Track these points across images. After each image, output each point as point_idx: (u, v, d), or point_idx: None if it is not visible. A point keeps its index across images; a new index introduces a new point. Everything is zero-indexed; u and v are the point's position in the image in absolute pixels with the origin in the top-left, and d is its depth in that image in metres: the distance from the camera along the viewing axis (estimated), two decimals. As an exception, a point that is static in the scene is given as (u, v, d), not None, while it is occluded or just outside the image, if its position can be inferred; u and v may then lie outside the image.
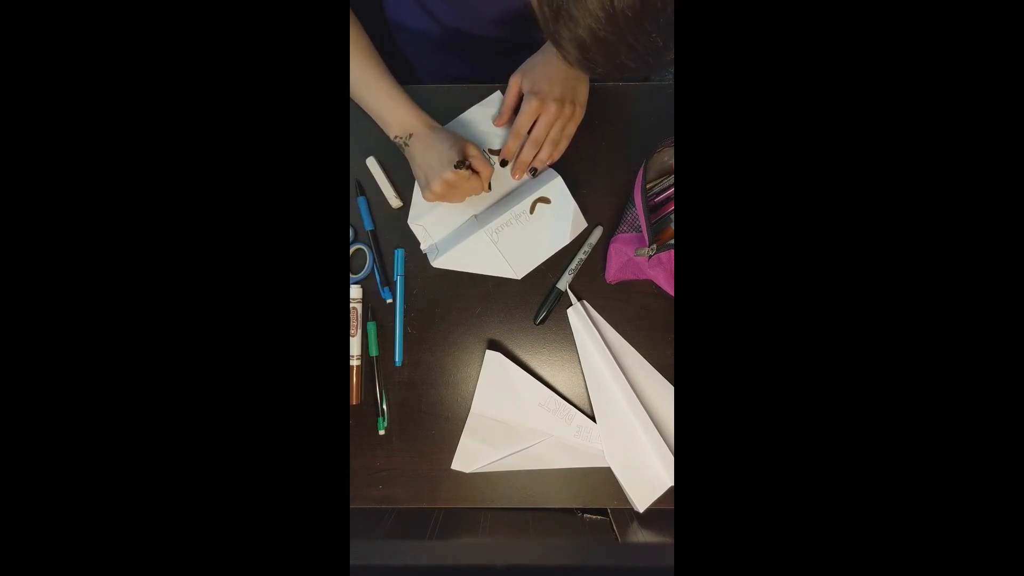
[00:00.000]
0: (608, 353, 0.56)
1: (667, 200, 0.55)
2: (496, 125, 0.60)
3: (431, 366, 0.58)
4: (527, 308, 0.58)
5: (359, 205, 0.59)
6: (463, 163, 0.50)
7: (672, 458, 0.54)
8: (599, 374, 0.56)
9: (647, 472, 0.55)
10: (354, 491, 0.55)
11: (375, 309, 0.58)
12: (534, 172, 0.58)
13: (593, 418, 0.56)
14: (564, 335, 0.58)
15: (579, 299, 0.58)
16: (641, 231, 0.50)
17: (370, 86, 0.55)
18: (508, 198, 0.59)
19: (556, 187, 0.57)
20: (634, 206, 0.53)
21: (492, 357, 0.56)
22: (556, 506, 0.57)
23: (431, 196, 0.54)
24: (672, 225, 0.53)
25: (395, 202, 0.59)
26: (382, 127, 0.56)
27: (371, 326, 0.57)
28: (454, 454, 0.56)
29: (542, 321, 0.57)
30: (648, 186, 0.55)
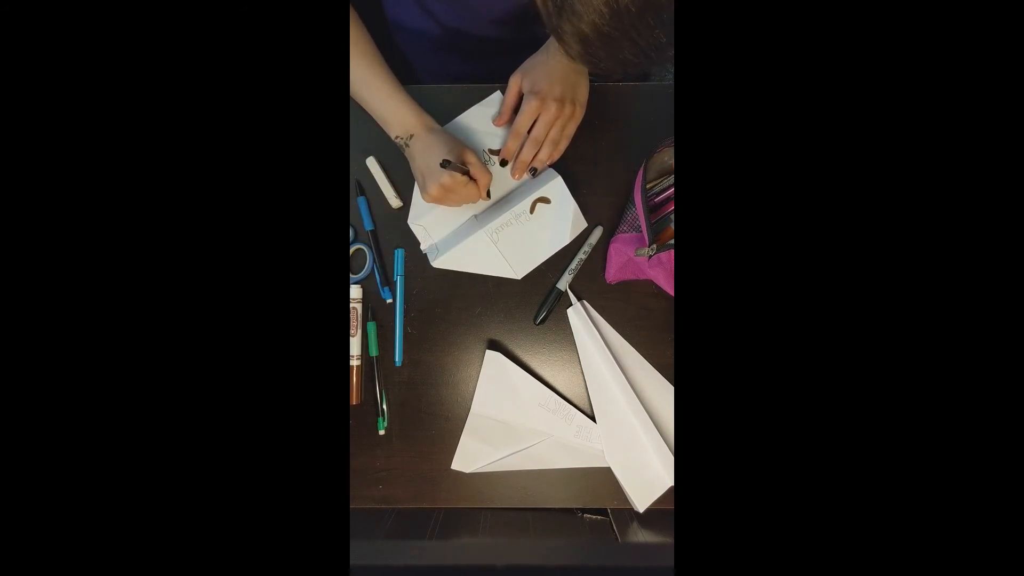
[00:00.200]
0: (608, 353, 0.56)
1: (667, 200, 0.55)
2: (496, 125, 0.60)
3: (431, 366, 0.58)
4: (527, 308, 0.58)
5: (359, 205, 0.59)
6: (449, 162, 0.50)
7: (672, 458, 0.54)
8: (599, 374, 0.56)
9: (647, 472, 0.55)
10: (354, 491, 0.55)
11: (375, 309, 0.58)
12: (534, 172, 0.58)
13: (593, 418, 0.56)
14: (564, 335, 0.58)
15: (579, 299, 0.58)
16: (641, 231, 0.50)
17: (371, 86, 0.55)
18: (508, 198, 0.59)
19: (556, 187, 0.57)
20: (634, 206, 0.53)
21: (492, 357, 0.56)
22: (556, 506, 0.57)
23: (428, 199, 0.54)
24: (672, 225, 0.53)
25: (395, 202, 0.59)
26: (383, 127, 0.56)
27: (371, 326, 0.57)
28: (454, 454, 0.56)
29: (542, 321, 0.57)
30: (648, 186, 0.55)
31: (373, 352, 0.57)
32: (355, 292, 0.57)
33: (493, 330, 0.58)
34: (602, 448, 0.55)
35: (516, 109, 0.58)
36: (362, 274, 0.58)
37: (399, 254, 0.59)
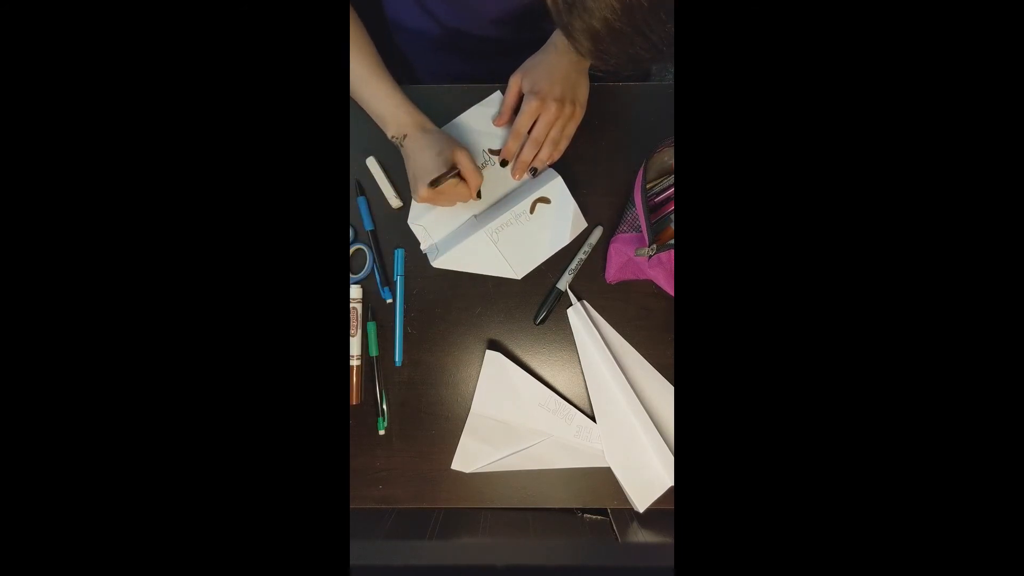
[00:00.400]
0: (608, 353, 0.56)
1: (667, 200, 0.55)
2: (496, 125, 0.60)
3: (431, 366, 0.58)
4: (527, 308, 0.58)
5: (359, 205, 0.59)
6: (438, 180, 0.50)
7: (672, 458, 0.54)
8: (599, 374, 0.56)
9: (647, 472, 0.55)
10: (354, 491, 0.55)
11: (375, 309, 0.58)
12: (534, 172, 0.58)
13: (593, 418, 0.56)
14: (564, 335, 0.58)
15: (579, 299, 0.58)
16: (641, 231, 0.50)
17: (368, 84, 0.55)
18: (508, 198, 0.59)
19: (556, 187, 0.57)
20: (634, 206, 0.53)
21: (492, 357, 0.56)
22: (556, 506, 0.57)
23: (418, 199, 0.54)
24: (672, 225, 0.53)
25: (395, 202, 0.59)
26: (380, 125, 0.56)
27: (371, 326, 0.57)
28: (454, 454, 0.56)
29: (542, 321, 0.57)
30: (648, 186, 0.55)
31: (373, 352, 0.57)
32: (355, 292, 0.57)
33: (493, 330, 0.58)
34: (602, 448, 0.55)
35: (516, 109, 0.58)
36: (362, 274, 0.58)
37: (399, 254, 0.59)
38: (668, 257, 0.49)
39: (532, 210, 0.58)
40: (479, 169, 0.55)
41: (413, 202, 0.59)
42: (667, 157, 0.54)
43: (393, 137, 0.56)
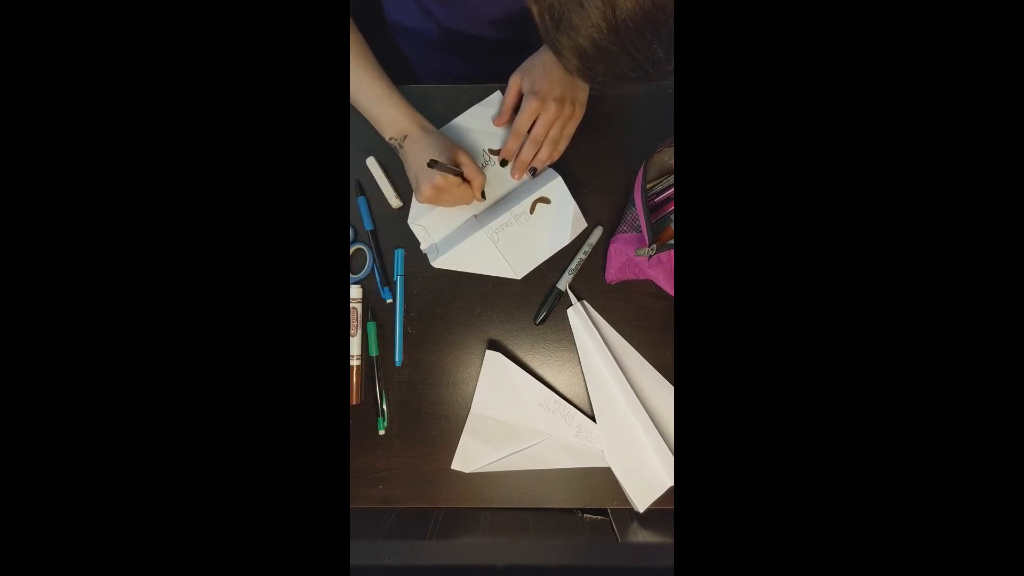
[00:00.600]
0: (608, 353, 0.56)
1: (667, 200, 0.55)
2: (496, 125, 0.60)
3: (431, 366, 0.58)
4: (527, 308, 0.58)
5: (359, 205, 0.59)
6: (436, 162, 0.50)
7: (672, 458, 0.54)
8: (599, 374, 0.56)
9: (647, 472, 0.55)
10: (354, 491, 0.55)
11: (375, 309, 0.58)
12: (534, 172, 0.58)
13: (593, 418, 0.56)
14: (564, 335, 0.58)
15: (579, 299, 0.58)
16: (641, 231, 0.50)
17: (365, 88, 0.55)
18: (508, 198, 0.59)
19: (556, 187, 0.57)
20: (634, 206, 0.53)
21: (492, 357, 0.56)
22: (556, 506, 0.57)
23: (421, 199, 0.54)
24: (672, 225, 0.53)
25: (395, 202, 0.59)
26: (377, 129, 0.56)
27: (371, 326, 0.57)
28: (454, 454, 0.56)
29: (542, 321, 0.57)
30: (648, 186, 0.55)
31: (373, 352, 0.57)
32: (355, 292, 0.57)
33: (493, 330, 0.58)
34: (602, 448, 0.55)
35: (516, 109, 0.58)
36: (362, 274, 0.58)
37: (399, 254, 0.59)
38: (668, 257, 0.49)
39: (532, 210, 0.58)
40: (481, 171, 0.55)
41: (413, 202, 0.59)
42: (667, 157, 0.54)
43: (391, 139, 0.55)
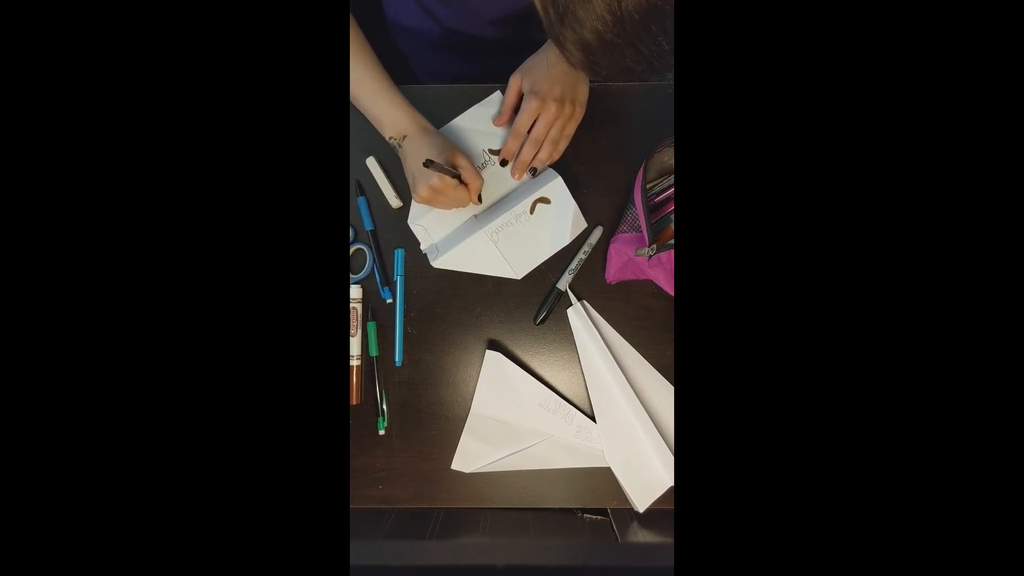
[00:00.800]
0: (608, 353, 0.56)
1: (667, 200, 0.55)
2: (496, 125, 0.60)
3: (431, 366, 0.58)
4: (527, 308, 0.58)
5: (359, 205, 0.59)
6: (432, 162, 0.49)
7: (672, 458, 0.54)
8: (599, 374, 0.56)
9: (647, 472, 0.55)
10: (354, 491, 0.55)
11: (375, 309, 0.58)
12: (534, 172, 0.58)
13: (593, 418, 0.56)
14: (564, 335, 0.58)
15: (579, 299, 0.58)
16: (641, 231, 0.50)
17: (365, 86, 0.55)
18: (508, 198, 0.59)
19: (556, 187, 0.57)
20: (634, 206, 0.53)
21: (492, 357, 0.56)
22: (556, 506, 0.57)
23: (417, 199, 0.54)
24: (672, 225, 0.53)
25: (395, 202, 0.59)
26: (377, 128, 0.56)
27: (371, 326, 0.57)
28: (454, 454, 0.56)
29: (542, 321, 0.57)
30: (648, 186, 0.55)
31: (373, 352, 0.57)
32: (355, 292, 0.57)
33: (493, 330, 0.58)
34: (602, 448, 0.55)
35: (516, 109, 0.58)
36: (362, 274, 0.58)
37: (399, 254, 0.59)
38: (668, 257, 0.49)
39: (532, 210, 0.58)
40: (479, 174, 0.55)
41: (413, 202, 0.59)
42: (667, 157, 0.54)
43: (391, 138, 0.55)
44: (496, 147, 0.60)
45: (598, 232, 0.58)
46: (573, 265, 0.58)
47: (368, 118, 0.57)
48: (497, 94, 0.61)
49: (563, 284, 0.57)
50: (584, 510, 0.65)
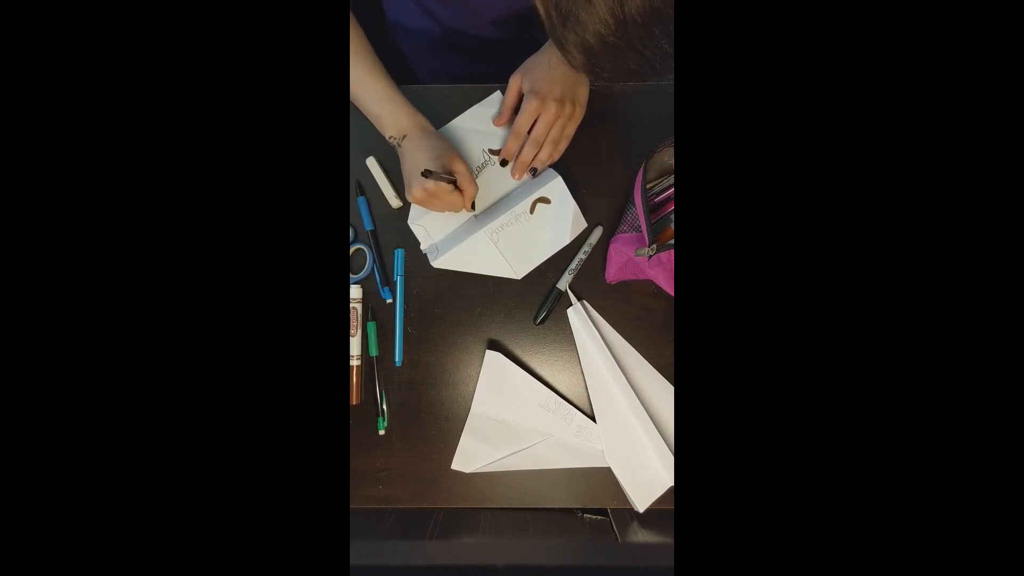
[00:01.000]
0: (608, 353, 0.56)
1: (667, 200, 0.55)
2: (496, 125, 0.60)
3: (431, 366, 0.58)
4: (527, 308, 0.58)
5: (359, 205, 0.59)
6: (431, 172, 0.49)
7: (672, 458, 0.54)
8: (599, 374, 0.56)
9: (647, 472, 0.55)
10: (354, 491, 0.55)
11: (375, 309, 0.58)
12: (534, 172, 0.58)
13: (593, 418, 0.56)
14: (564, 335, 0.58)
15: (579, 299, 0.58)
16: (641, 231, 0.50)
17: (366, 85, 0.55)
18: (508, 198, 0.59)
19: (556, 187, 0.57)
20: (634, 206, 0.53)
21: (492, 357, 0.56)
22: (556, 506, 0.57)
23: (411, 200, 0.54)
24: (672, 225, 0.53)
25: (395, 202, 0.59)
26: (377, 127, 0.56)
27: (371, 326, 0.57)
28: (454, 454, 0.56)
29: (542, 321, 0.57)
30: (648, 186, 0.55)
31: (373, 352, 0.57)
32: (355, 292, 0.57)
33: (493, 330, 0.58)
34: (602, 448, 0.55)
35: (516, 109, 0.58)
36: (362, 274, 0.58)
37: (399, 254, 0.59)
38: (668, 257, 0.49)
39: (532, 210, 0.58)
40: (475, 181, 0.55)
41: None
42: (667, 157, 0.54)
43: (391, 138, 0.56)
44: (496, 147, 0.60)
45: (598, 232, 0.58)
46: (573, 265, 0.58)
47: (368, 117, 0.57)
48: (497, 94, 0.61)
49: (563, 284, 0.57)
50: (584, 510, 0.65)
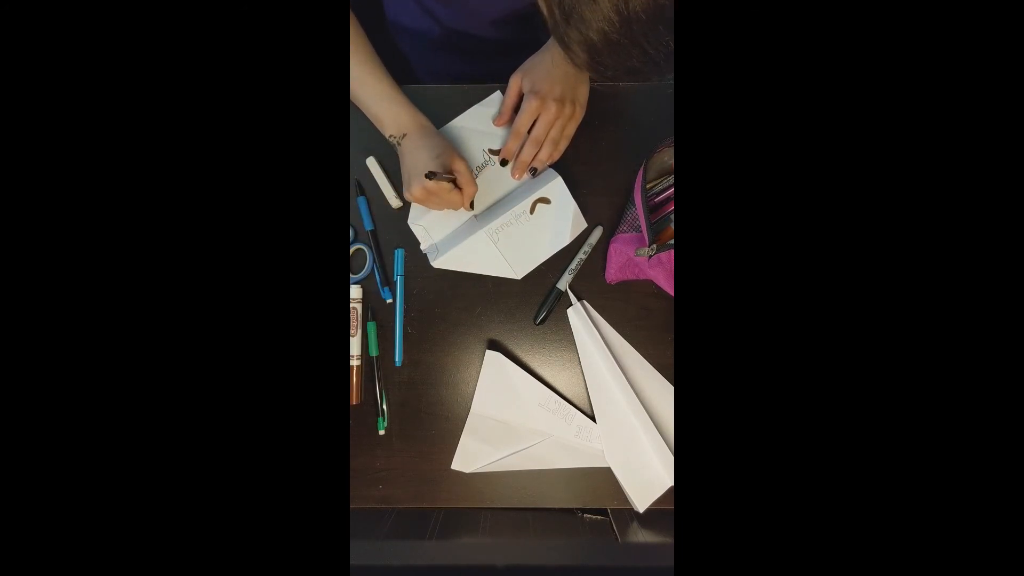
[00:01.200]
0: (608, 353, 0.56)
1: (667, 200, 0.55)
2: (496, 125, 0.60)
3: (431, 366, 0.58)
4: (527, 308, 0.58)
5: (359, 205, 0.59)
6: (434, 174, 0.50)
7: (672, 458, 0.54)
8: (599, 374, 0.56)
9: (647, 472, 0.55)
10: (354, 491, 0.55)
11: (375, 309, 0.58)
12: (534, 172, 0.58)
13: (593, 418, 0.56)
14: (564, 335, 0.58)
15: (579, 299, 0.58)
16: (641, 231, 0.50)
17: (367, 85, 0.55)
18: (508, 198, 0.59)
19: (556, 187, 0.57)
20: (634, 206, 0.53)
21: (492, 357, 0.56)
22: (556, 506, 0.57)
23: (410, 198, 0.54)
24: (672, 225, 0.53)
25: (395, 202, 0.59)
26: (377, 126, 0.56)
27: (371, 326, 0.57)
28: (454, 454, 0.56)
29: (542, 321, 0.57)
30: (648, 186, 0.55)
31: (373, 352, 0.57)
32: (355, 292, 0.57)
33: (493, 330, 0.58)
34: (602, 448, 0.55)
35: (516, 109, 0.58)
36: (362, 274, 0.58)
37: (399, 254, 0.59)
38: (668, 257, 0.49)
39: (532, 210, 0.58)
40: (475, 180, 0.55)
41: (413, 202, 0.59)
42: (667, 157, 0.54)
43: (391, 136, 0.55)
44: (496, 147, 0.60)
45: (598, 232, 0.58)
46: (573, 265, 0.58)
47: (368, 116, 0.57)
48: (497, 94, 0.61)
49: (563, 284, 0.57)
50: (584, 510, 0.65)
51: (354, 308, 0.56)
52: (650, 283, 0.55)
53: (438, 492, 0.56)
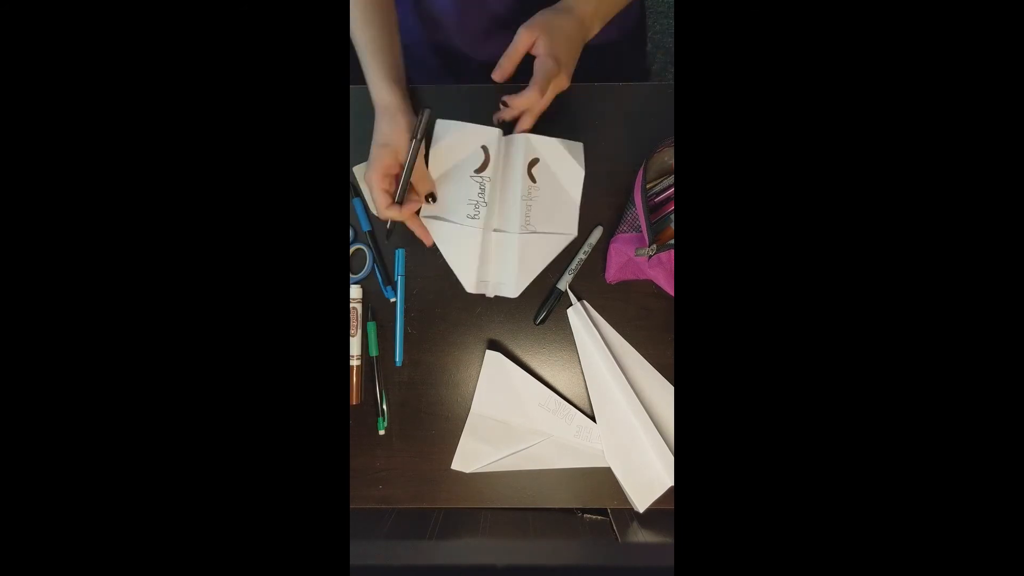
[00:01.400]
0: (608, 353, 0.56)
1: (667, 200, 0.55)
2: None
3: (431, 366, 0.58)
4: (527, 308, 0.58)
5: (355, 206, 0.59)
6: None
7: (672, 458, 0.54)
8: (599, 374, 0.56)
9: (647, 472, 0.55)
10: (354, 491, 0.55)
11: (375, 309, 0.58)
12: (507, 130, 0.57)
13: (593, 418, 0.56)
14: (564, 335, 0.57)
15: (579, 299, 0.58)
16: (641, 231, 0.50)
17: (372, 52, 0.54)
18: (507, 215, 0.58)
19: (552, 147, 0.57)
20: (634, 206, 0.53)
21: (492, 357, 0.56)
22: (556, 506, 0.57)
23: (366, 182, 0.53)
24: (672, 225, 0.53)
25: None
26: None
27: (371, 326, 0.57)
28: (454, 454, 0.56)
29: (542, 321, 0.57)
30: (648, 186, 0.55)
31: (373, 352, 0.57)
32: (355, 292, 0.57)
33: (493, 330, 0.58)
34: (602, 448, 0.55)
35: (518, 66, 0.53)
36: (362, 274, 0.58)
37: (399, 254, 0.59)
38: (668, 257, 0.49)
39: (530, 173, 0.57)
40: (423, 226, 0.56)
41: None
42: (667, 157, 0.54)
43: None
44: (477, 167, 0.58)
45: (598, 232, 0.58)
46: (573, 265, 0.58)
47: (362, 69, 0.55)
48: (496, 131, 0.58)
49: (563, 284, 0.57)
50: (584, 510, 0.65)
51: (354, 308, 0.56)
52: (650, 283, 0.55)
53: (438, 492, 0.56)
